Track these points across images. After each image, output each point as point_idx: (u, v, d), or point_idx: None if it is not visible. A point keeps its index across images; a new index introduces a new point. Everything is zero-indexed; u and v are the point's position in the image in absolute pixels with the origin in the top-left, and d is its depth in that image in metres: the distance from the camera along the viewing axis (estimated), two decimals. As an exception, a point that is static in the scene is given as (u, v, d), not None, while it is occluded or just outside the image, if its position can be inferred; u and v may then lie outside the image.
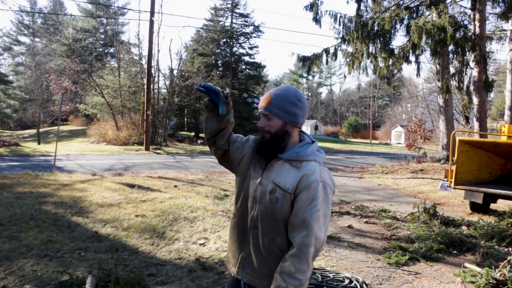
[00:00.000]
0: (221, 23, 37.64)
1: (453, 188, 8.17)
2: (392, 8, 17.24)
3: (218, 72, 35.59)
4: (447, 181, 8.54)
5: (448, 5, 16.11)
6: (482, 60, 15.05)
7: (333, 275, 4.29)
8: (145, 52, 26.34)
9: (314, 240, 1.82)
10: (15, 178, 10.31)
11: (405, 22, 16.42)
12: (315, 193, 1.85)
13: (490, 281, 4.36)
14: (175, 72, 30.28)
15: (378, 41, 16.47)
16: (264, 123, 1.98)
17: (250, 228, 2.00)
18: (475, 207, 8.46)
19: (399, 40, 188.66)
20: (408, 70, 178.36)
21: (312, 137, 2.09)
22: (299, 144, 2.00)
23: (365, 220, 7.46)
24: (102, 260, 4.72)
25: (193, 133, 38.18)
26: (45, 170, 12.08)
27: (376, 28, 15.98)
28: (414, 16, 16.57)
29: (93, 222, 6.45)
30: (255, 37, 37.97)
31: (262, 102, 2.00)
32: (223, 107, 2.01)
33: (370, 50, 17.09)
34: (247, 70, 38.72)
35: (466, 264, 5.00)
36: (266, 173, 1.97)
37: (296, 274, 1.80)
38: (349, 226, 6.94)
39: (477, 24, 15.35)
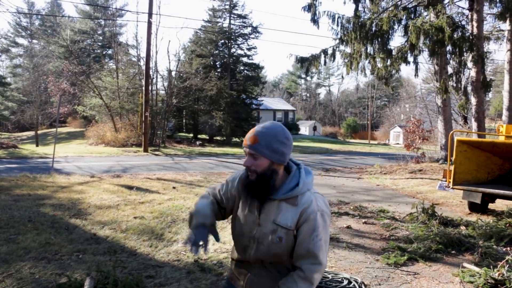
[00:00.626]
0: (219, 24, 37.55)
1: (452, 188, 8.19)
2: (390, 9, 17.28)
3: (216, 73, 35.52)
4: (446, 181, 8.55)
5: (446, 5, 16.14)
6: (480, 60, 15.09)
7: (331, 276, 4.28)
8: (143, 54, 26.42)
9: (320, 267, 1.90)
10: (13, 181, 10.29)
11: (403, 22, 16.45)
12: (315, 223, 1.89)
13: (489, 281, 4.36)
14: (173, 73, 30.28)
15: (376, 42, 16.51)
16: (250, 162, 1.92)
17: (253, 261, 2.03)
18: (473, 207, 8.46)
19: (397, 40, 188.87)
20: (406, 70, 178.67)
21: (296, 160, 2.07)
22: (289, 179, 1.96)
23: (363, 220, 7.47)
24: (100, 262, 4.71)
25: (191, 135, 38.14)
26: (43, 172, 12.06)
27: (374, 28, 16.01)
28: (412, 17, 16.60)
29: (91, 224, 6.43)
30: (253, 38, 37.93)
31: (248, 140, 1.92)
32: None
33: (368, 51, 17.12)
34: (245, 71, 38.65)
35: (465, 264, 5.00)
36: (263, 215, 1.96)
37: None
38: (348, 227, 6.94)
39: (475, 24, 15.37)
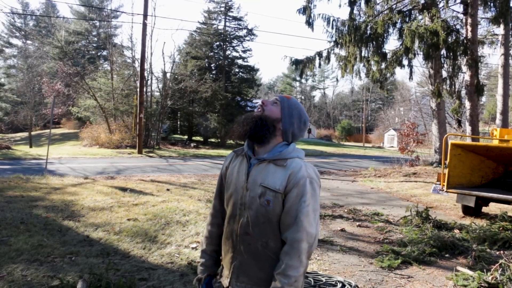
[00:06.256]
0: (215, 26, 37.56)
1: (446, 191, 8.20)
2: (385, 12, 17.33)
3: (211, 75, 35.53)
4: (440, 184, 8.56)
5: (441, 9, 16.22)
6: (474, 64, 15.17)
7: (325, 279, 4.27)
8: (138, 55, 26.29)
9: (305, 235, 1.81)
10: (6, 182, 10.22)
11: (398, 26, 16.51)
12: (303, 189, 1.85)
13: (482, 284, 4.36)
14: (168, 75, 30.23)
15: (371, 45, 16.53)
16: (268, 103, 2.02)
17: (240, 235, 1.95)
18: (467, 211, 8.49)
19: (392, 44, 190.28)
20: (401, 73, 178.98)
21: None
22: (280, 144, 1.99)
23: (357, 223, 7.47)
24: (93, 265, 4.67)
25: (186, 136, 38.06)
26: (37, 173, 11.99)
27: (369, 31, 16.04)
28: (407, 20, 16.67)
29: (85, 226, 6.39)
30: (248, 40, 37.92)
31: (283, 95, 2.05)
32: None
33: (363, 54, 17.13)
34: (240, 73, 38.69)
35: (458, 268, 5.01)
36: (251, 178, 1.93)
37: (288, 271, 1.78)
38: (342, 230, 6.94)
39: (469, 28, 15.46)
